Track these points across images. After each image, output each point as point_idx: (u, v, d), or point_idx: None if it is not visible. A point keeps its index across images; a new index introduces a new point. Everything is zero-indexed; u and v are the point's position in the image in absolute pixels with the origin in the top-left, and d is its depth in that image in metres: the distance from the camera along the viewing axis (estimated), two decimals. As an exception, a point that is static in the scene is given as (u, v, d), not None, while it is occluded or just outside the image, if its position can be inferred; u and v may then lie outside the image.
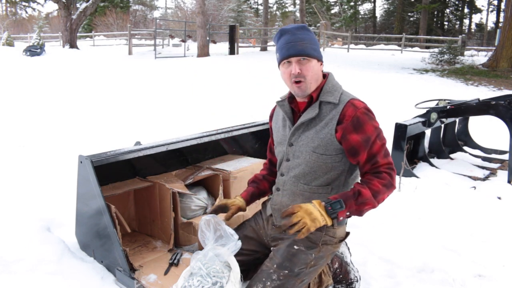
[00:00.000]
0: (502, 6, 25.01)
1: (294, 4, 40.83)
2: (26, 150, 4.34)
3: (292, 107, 1.72)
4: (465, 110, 4.01)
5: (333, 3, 40.34)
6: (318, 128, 1.61)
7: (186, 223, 2.38)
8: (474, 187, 3.51)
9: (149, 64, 13.51)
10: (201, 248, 1.74)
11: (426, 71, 13.12)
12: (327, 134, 1.59)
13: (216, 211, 1.81)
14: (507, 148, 3.77)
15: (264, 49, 20.07)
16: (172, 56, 16.09)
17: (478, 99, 3.98)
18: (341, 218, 1.52)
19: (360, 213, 1.54)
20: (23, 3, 29.88)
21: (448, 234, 2.56)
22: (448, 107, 4.03)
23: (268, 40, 21.99)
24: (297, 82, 1.59)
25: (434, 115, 3.98)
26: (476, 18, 51.99)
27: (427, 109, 4.05)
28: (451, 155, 4.56)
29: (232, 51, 17.05)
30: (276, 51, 1.65)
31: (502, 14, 24.66)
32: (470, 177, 3.83)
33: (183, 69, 11.88)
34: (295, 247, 1.65)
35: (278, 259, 1.64)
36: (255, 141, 3.26)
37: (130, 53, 17.04)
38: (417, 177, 3.66)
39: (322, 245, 1.66)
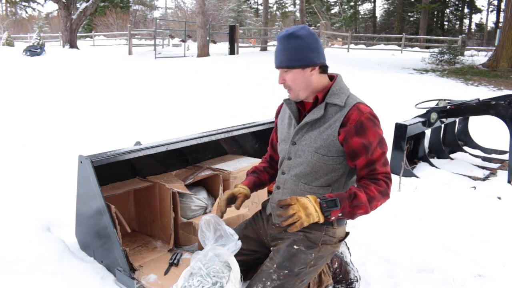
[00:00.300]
0: (502, 6, 25.02)
1: (294, 4, 40.84)
2: (26, 150, 4.34)
3: (299, 106, 1.73)
4: (465, 110, 4.01)
5: (333, 3, 40.35)
6: (322, 129, 1.61)
7: (186, 223, 2.38)
8: (474, 187, 3.51)
9: (149, 64, 13.50)
10: (201, 248, 1.74)
11: (426, 71, 13.12)
12: (330, 135, 1.59)
13: (227, 202, 1.78)
14: (507, 148, 3.77)
15: (264, 49, 20.07)
16: (172, 56, 16.10)
17: (478, 99, 3.98)
18: (332, 218, 1.51)
19: (352, 216, 1.55)
20: (23, 3, 29.89)
21: (448, 234, 2.56)
22: (448, 107, 4.03)
23: (268, 40, 21.98)
24: (288, 89, 1.66)
25: (434, 115, 3.98)
26: (476, 18, 52.02)
27: (427, 109, 4.05)
28: (451, 155, 4.56)
29: (232, 51, 17.05)
30: None
31: (502, 14, 24.66)
32: (470, 177, 3.83)
33: (183, 69, 11.88)
34: (295, 247, 1.65)
35: (278, 259, 1.64)
36: (255, 141, 3.26)
37: (130, 53, 17.04)
38: (417, 177, 3.66)
39: (322, 245, 1.66)
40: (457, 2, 34.60)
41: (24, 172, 3.61)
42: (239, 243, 1.59)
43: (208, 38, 17.08)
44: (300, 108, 1.73)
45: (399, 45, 20.87)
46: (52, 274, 2.01)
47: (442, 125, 4.49)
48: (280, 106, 1.91)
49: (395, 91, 9.10)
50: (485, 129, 5.56)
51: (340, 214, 1.51)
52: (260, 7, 41.19)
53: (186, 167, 2.80)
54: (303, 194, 1.64)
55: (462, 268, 2.18)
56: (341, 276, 1.93)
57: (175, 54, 17.08)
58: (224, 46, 19.64)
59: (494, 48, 15.76)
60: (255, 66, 12.41)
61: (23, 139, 4.72)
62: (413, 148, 4.32)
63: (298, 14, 30.69)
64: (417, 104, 4.18)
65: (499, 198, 3.23)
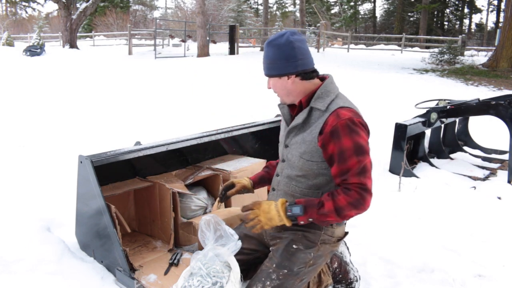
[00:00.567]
0: (502, 6, 25.02)
1: (294, 4, 40.84)
2: (26, 150, 4.34)
3: (291, 110, 1.75)
4: (465, 110, 4.01)
5: (333, 3, 40.35)
6: (305, 135, 1.62)
7: (186, 223, 2.38)
8: (474, 187, 3.51)
9: (149, 64, 13.50)
10: (201, 248, 1.74)
11: (426, 71, 13.12)
12: (312, 141, 1.59)
13: (224, 189, 1.92)
14: (507, 148, 3.77)
15: (264, 49, 20.04)
16: (172, 56, 16.09)
17: (478, 99, 3.98)
18: (301, 222, 1.55)
19: (322, 222, 1.57)
20: (23, 3, 29.89)
21: (448, 234, 2.56)
22: (448, 107, 4.03)
23: (268, 40, 21.89)
24: None
25: (434, 115, 3.98)
26: (476, 18, 51.98)
27: (427, 109, 4.05)
28: (451, 155, 4.56)
29: (232, 51, 17.05)
30: None
31: (502, 14, 24.67)
32: (470, 177, 3.83)
33: (183, 69, 11.88)
34: (294, 246, 1.65)
35: (277, 258, 1.64)
36: (255, 141, 3.26)
37: (130, 53, 17.03)
38: (417, 177, 3.66)
39: (321, 244, 1.67)
40: (457, 2, 34.60)
41: (24, 172, 3.61)
42: (239, 243, 1.60)
43: (208, 38, 17.08)
44: (291, 112, 1.75)
45: (399, 45, 20.88)
46: (52, 274, 2.01)
47: (442, 125, 4.49)
48: None
49: (395, 91, 9.10)
50: (485, 129, 5.55)
51: (310, 219, 1.54)
52: (260, 7, 41.19)
53: (186, 167, 2.80)
54: (294, 196, 1.66)
55: (462, 268, 2.18)
56: (340, 276, 1.93)
57: (175, 54, 17.08)
58: (224, 46, 19.64)
59: (494, 48, 15.76)
60: (255, 66, 12.40)
61: (23, 139, 4.72)
62: (413, 148, 4.32)
63: (298, 14, 30.69)
64: (417, 104, 4.18)
65: (499, 198, 3.23)
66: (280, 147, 1.76)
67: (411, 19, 34.61)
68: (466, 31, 35.68)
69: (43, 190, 3.18)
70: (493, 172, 4.03)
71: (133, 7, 38.25)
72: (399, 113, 5.55)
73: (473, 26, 38.44)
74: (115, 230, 2.00)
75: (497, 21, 30.66)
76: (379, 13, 39.55)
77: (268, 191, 2.91)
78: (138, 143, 2.46)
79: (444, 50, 15.03)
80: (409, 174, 3.67)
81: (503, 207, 3.01)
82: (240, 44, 18.20)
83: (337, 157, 1.52)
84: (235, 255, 1.60)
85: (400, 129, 3.74)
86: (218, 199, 2.00)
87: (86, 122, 5.68)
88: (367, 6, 39.11)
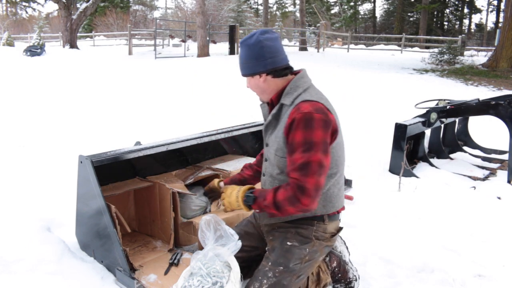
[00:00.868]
0: (502, 6, 25.02)
1: (294, 4, 40.83)
2: (26, 150, 4.34)
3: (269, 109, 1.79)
4: (465, 110, 4.01)
5: (333, 3, 40.34)
6: (276, 131, 1.65)
7: (186, 223, 2.38)
8: (474, 187, 3.51)
9: (149, 64, 13.50)
10: (201, 248, 1.74)
11: (426, 71, 13.11)
12: (280, 137, 1.61)
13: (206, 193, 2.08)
14: (506, 148, 3.77)
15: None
16: (172, 56, 16.09)
17: (478, 99, 3.98)
18: (257, 210, 1.66)
19: (270, 214, 1.64)
20: (24, 3, 29.90)
21: (448, 234, 2.56)
22: (448, 107, 4.03)
23: (268, 40, 21.86)
24: None
25: (434, 115, 3.98)
26: (476, 18, 52.07)
27: (427, 109, 4.05)
28: (451, 155, 4.56)
29: (232, 51, 17.05)
30: None
31: (502, 14, 24.68)
32: (470, 177, 3.83)
33: (183, 69, 11.88)
34: (288, 243, 1.68)
35: (272, 257, 1.67)
36: (255, 141, 3.26)
37: (130, 53, 17.03)
38: (417, 177, 3.66)
39: (316, 240, 1.69)
40: (457, 2, 34.61)
41: (24, 172, 3.61)
42: (239, 243, 1.60)
43: (208, 38, 17.08)
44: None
45: (399, 45, 20.87)
46: (52, 274, 2.01)
47: (442, 125, 4.49)
48: None
49: (395, 91, 9.10)
50: (485, 129, 5.56)
51: (257, 210, 1.64)
52: (260, 7, 41.19)
53: (186, 167, 2.80)
54: None
55: (462, 268, 2.18)
56: (340, 275, 1.93)
57: (175, 54, 17.08)
58: (224, 46, 19.64)
59: (493, 48, 15.75)
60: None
61: (23, 139, 4.72)
62: (413, 148, 4.32)
63: (298, 14, 30.69)
64: (417, 104, 4.18)
65: (499, 198, 3.23)
66: (264, 146, 1.80)
67: (411, 19, 34.61)
68: (466, 31, 35.69)
69: (43, 190, 3.18)
70: (493, 172, 4.03)
71: (133, 7, 38.24)
72: (399, 113, 5.55)
73: (473, 26, 38.48)
74: (115, 230, 2.00)
75: (497, 21, 30.68)
76: (379, 13, 39.60)
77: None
78: (138, 143, 2.47)
79: (444, 50, 15.02)
80: (409, 174, 3.67)
81: (503, 207, 3.01)
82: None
83: (288, 149, 1.55)
84: (237, 253, 1.61)
85: (400, 129, 3.74)
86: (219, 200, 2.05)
87: (86, 122, 5.68)
88: (367, 6, 39.15)
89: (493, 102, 3.76)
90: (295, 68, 1.74)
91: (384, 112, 6.70)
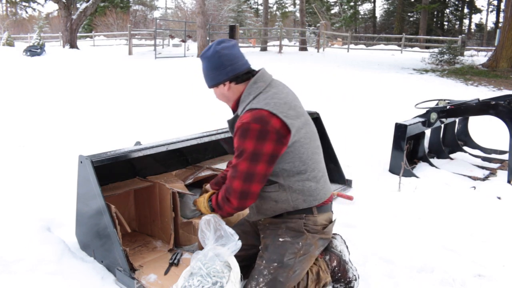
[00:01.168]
0: (502, 6, 25.02)
1: (294, 4, 40.83)
2: (26, 150, 4.34)
3: None
4: (465, 110, 4.01)
5: (333, 3, 40.35)
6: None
7: (186, 223, 2.38)
8: (474, 187, 3.51)
9: (149, 64, 13.51)
10: (201, 248, 1.74)
11: (426, 71, 13.12)
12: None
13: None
14: (506, 148, 3.77)
15: (264, 49, 20.07)
16: (172, 56, 16.09)
17: (478, 99, 3.98)
18: (220, 212, 1.74)
19: (225, 215, 1.76)
20: (23, 3, 29.91)
21: (448, 234, 2.56)
22: (448, 107, 4.03)
23: (268, 40, 21.97)
24: None
25: (434, 115, 3.98)
26: (476, 18, 52.05)
27: (427, 109, 4.05)
28: (451, 155, 4.56)
29: (232, 51, 17.02)
30: None
31: (502, 14, 24.67)
32: (470, 177, 3.83)
33: (183, 69, 11.88)
34: (280, 239, 1.70)
35: (266, 254, 1.69)
36: (255, 141, 3.26)
37: (130, 53, 17.03)
38: (417, 177, 3.66)
39: (308, 233, 1.70)
40: (457, 2, 34.61)
41: (24, 172, 3.61)
42: (239, 243, 1.61)
43: (208, 38, 17.08)
44: None
45: (399, 45, 20.88)
46: (52, 274, 2.01)
47: (442, 125, 4.49)
48: None
49: (395, 91, 9.10)
50: (485, 129, 5.56)
51: (218, 210, 1.75)
52: (260, 7, 41.19)
53: (186, 167, 2.80)
54: (264, 199, 1.72)
55: (462, 268, 2.18)
56: (340, 274, 1.94)
57: (175, 54, 17.08)
58: (224, 46, 19.59)
59: (494, 48, 15.76)
60: (255, 66, 12.39)
61: (23, 139, 4.72)
62: (413, 148, 4.32)
63: (298, 14, 30.70)
64: (417, 104, 4.18)
65: (499, 198, 3.23)
66: None
67: (411, 19, 34.61)
68: (466, 31, 35.69)
69: (43, 190, 3.18)
70: (493, 172, 4.04)
71: (133, 7, 38.25)
72: (399, 113, 5.56)
73: (473, 26, 38.48)
74: (115, 230, 2.00)
75: (497, 21, 30.68)
76: (379, 13, 39.60)
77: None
78: (138, 143, 2.47)
79: (444, 50, 15.03)
80: (409, 174, 3.67)
81: (503, 207, 3.01)
82: (240, 44, 18.15)
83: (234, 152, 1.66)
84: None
85: (400, 129, 3.74)
86: None
87: (86, 122, 5.68)
88: (367, 6, 39.15)
89: (493, 102, 3.76)
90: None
91: (384, 112, 6.70)
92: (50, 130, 5.21)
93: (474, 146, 4.93)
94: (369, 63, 14.46)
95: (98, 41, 26.86)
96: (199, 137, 2.50)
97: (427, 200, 3.08)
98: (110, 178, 2.39)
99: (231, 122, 1.74)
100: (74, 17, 18.92)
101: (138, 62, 13.94)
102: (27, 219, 2.50)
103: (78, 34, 21.48)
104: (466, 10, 35.36)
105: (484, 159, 4.55)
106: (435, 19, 34.73)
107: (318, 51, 20.08)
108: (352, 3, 37.43)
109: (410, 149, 4.31)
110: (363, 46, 24.66)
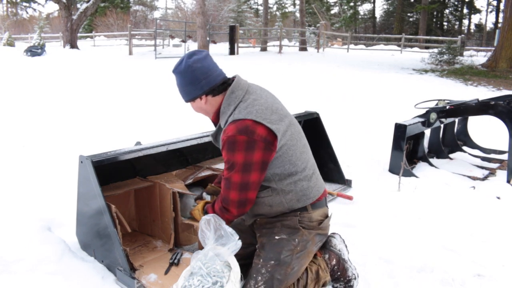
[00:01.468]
0: (501, 6, 25.03)
1: (294, 4, 40.83)
2: (27, 150, 4.34)
3: None
4: (464, 110, 4.02)
5: (333, 4, 40.37)
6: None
7: (186, 223, 2.39)
8: (474, 187, 3.52)
9: (150, 64, 13.51)
10: (201, 247, 1.75)
11: (426, 71, 13.12)
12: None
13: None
14: (506, 148, 3.77)
15: (264, 49, 20.09)
16: (173, 57, 16.08)
17: (478, 99, 3.98)
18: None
19: (228, 221, 1.73)
20: (24, 4, 29.92)
21: (448, 234, 2.57)
22: (447, 107, 4.03)
23: (268, 41, 21.98)
24: None
25: (433, 115, 3.99)
26: (475, 18, 52.14)
27: (427, 109, 4.06)
28: (451, 155, 4.56)
29: (232, 52, 17.07)
30: None
31: (501, 15, 24.66)
32: (469, 177, 3.84)
33: (183, 69, 11.86)
34: (276, 237, 1.70)
35: (263, 253, 1.70)
36: (255, 141, 3.26)
37: (130, 53, 17.04)
38: (417, 177, 3.66)
39: (303, 229, 1.71)
40: (456, 3, 34.63)
41: (25, 172, 3.61)
42: (239, 243, 1.61)
43: (208, 39, 17.09)
44: None
45: (399, 46, 20.90)
46: (52, 274, 2.01)
47: (442, 125, 4.49)
48: None
49: (395, 91, 9.10)
50: (484, 129, 5.56)
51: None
52: (260, 8, 41.19)
53: (186, 167, 2.81)
54: (258, 205, 1.72)
55: (462, 268, 2.18)
56: (339, 273, 1.94)
57: (175, 54, 17.08)
58: (224, 46, 19.65)
59: (493, 48, 15.77)
60: (255, 66, 12.42)
61: (23, 139, 4.72)
62: (412, 148, 4.33)
63: (298, 14, 30.71)
64: (416, 104, 4.18)
65: (499, 198, 3.23)
66: None
67: (411, 19, 34.62)
68: (466, 31, 35.70)
69: (43, 190, 3.18)
70: (492, 172, 4.04)
71: (133, 8, 38.26)
72: (399, 113, 5.56)
73: (472, 26, 38.49)
74: (116, 230, 2.00)
75: (496, 22, 30.71)
76: (378, 13, 39.65)
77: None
78: (138, 143, 2.47)
79: (444, 50, 15.03)
80: (408, 174, 3.67)
81: (502, 207, 3.02)
82: (240, 45, 18.22)
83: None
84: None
85: (400, 129, 3.75)
86: None
87: (86, 122, 5.68)
88: (367, 6, 39.17)
89: (493, 102, 3.77)
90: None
91: (384, 112, 6.71)
92: (51, 130, 5.21)
93: (474, 146, 4.93)
94: (369, 63, 14.47)
95: (99, 41, 26.86)
96: (199, 137, 2.51)
97: (427, 200, 3.09)
98: (110, 178, 2.39)
99: (215, 135, 1.74)
100: (74, 17, 18.93)
101: (138, 62, 13.94)
102: (27, 219, 2.50)
103: (79, 34, 21.49)
104: (465, 11, 35.39)
105: (483, 159, 4.55)
106: (434, 20, 34.74)
107: (318, 51, 20.09)
108: (352, 4, 37.45)
109: (410, 149, 4.31)
110: (363, 46, 24.67)
